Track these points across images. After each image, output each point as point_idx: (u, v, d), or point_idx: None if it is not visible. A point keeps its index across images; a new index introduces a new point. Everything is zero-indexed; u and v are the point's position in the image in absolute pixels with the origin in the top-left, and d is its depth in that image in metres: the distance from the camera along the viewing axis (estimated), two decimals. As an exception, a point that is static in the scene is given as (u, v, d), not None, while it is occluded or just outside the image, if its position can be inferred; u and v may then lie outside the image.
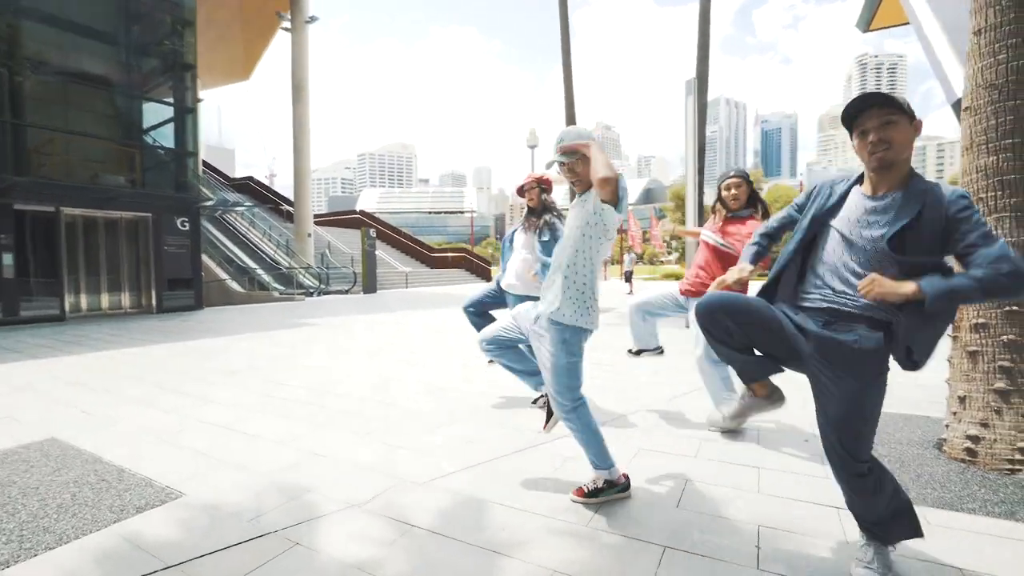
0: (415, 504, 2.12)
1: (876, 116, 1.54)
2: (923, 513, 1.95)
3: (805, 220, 1.72)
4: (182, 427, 3.14)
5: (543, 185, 3.57)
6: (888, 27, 23.04)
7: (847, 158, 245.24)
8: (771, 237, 1.93)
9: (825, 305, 1.60)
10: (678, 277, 39.74)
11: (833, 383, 1.53)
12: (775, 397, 1.81)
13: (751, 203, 3.03)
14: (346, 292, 18.47)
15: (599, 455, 2.13)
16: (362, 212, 30.82)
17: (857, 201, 1.63)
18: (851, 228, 1.60)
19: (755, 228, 2.75)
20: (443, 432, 3.05)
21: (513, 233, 3.74)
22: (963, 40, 11.41)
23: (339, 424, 3.22)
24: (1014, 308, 2.42)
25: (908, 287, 1.41)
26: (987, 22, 2.54)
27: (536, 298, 3.16)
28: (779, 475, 2.37)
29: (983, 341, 2.47)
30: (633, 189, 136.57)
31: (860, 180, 1.67)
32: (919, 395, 3.68)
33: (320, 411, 3.51)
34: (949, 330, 2.70)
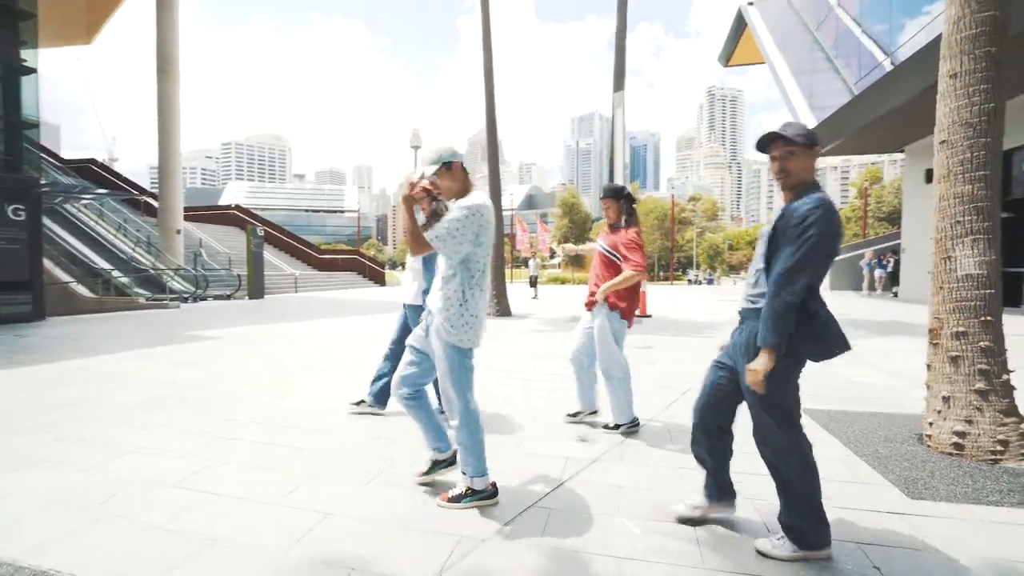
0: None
1: (779, 147, 1.80)
2: (941, 509, 2.13)
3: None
4: (113, 492, 2.36)
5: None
6: (745, 64, 26.25)
7: (700, 175, 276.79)
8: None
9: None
10: (563, 281, 41.52)
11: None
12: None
13: (630, 215, 3.22)
14: (228, 297, 16.42)
15: (477, 463, 2.18)
16: (238, 207, 27.71)
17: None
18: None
19: (630, 237, 3.07)
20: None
21: None
22: (806, 80, 13.39)
23: (352, 472, 2.72)
24: (988, 319, 2.79)
25: (763, 358, 1.68)
26: (961, 67, 2.90)
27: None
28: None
29: (963, 347, 2.81)
30: (516, 195, 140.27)
31: None
32: (863, 393, 4.14)
33: (318, 457, 2.95)
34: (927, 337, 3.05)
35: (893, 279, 17.76)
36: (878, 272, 18.38)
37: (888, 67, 15.18)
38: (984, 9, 2.84)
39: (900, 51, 14.86)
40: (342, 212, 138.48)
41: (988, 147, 2.82)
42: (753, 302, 1.84)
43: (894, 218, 42.55)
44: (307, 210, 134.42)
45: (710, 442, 2.01)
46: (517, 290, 20.24)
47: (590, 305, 3.23)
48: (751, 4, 25.52)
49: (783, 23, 23.83)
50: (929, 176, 14.10)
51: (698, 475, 2.12)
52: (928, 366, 3.01)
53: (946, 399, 2.85)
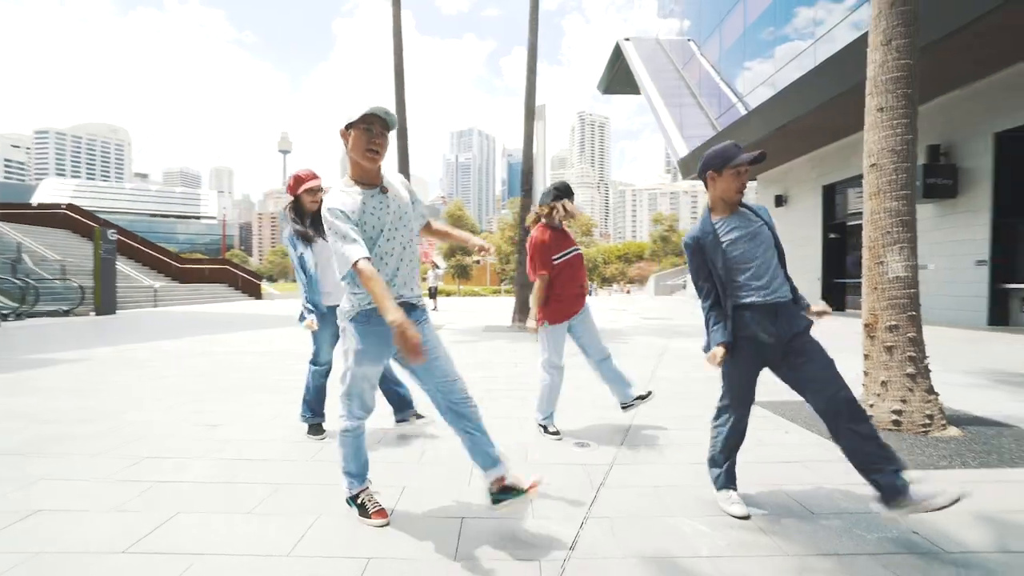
0: None
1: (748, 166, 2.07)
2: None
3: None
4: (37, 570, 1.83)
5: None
6: (622, 93, 28.62)
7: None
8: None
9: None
10: (449, 294, 41.35)
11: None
12: None
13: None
14: (66, 313, 13.67)
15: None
16: (72, 207, 23.33)
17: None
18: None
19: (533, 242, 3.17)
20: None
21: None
22: (676, 112, 15.27)
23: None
24: (913, 313, 3.31)
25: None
26: (887, 103, 3.43)
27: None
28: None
29: (896, 338, 3.30)
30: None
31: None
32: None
33: (307, 491, 2.51)
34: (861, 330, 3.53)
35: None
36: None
37: (742, 110, 17.70)
38: (903, 58, 3.41)
39: (749, 97, 17.38)
40: (198, 218, 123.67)
41: (908, 171, 3.37)
42: (784, 295, 2.09)
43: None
44: (153, 215, 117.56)
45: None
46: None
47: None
48: (627, 40, 28.04)
49: (655, 60, 26.51)
50: (778, 201, 16.57)
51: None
52: (866, 356, 3.47)
53: (884, 383, 3.31)
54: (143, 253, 22.73)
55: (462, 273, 52.94)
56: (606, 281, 69.12)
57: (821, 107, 11.50)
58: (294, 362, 6.09)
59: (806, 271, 15.04)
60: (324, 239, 3.02)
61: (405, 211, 1.98)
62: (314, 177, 3.11)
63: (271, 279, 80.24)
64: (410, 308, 1.96)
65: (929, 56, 8.20)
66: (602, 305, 20.34)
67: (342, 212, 1.81)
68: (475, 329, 10.26)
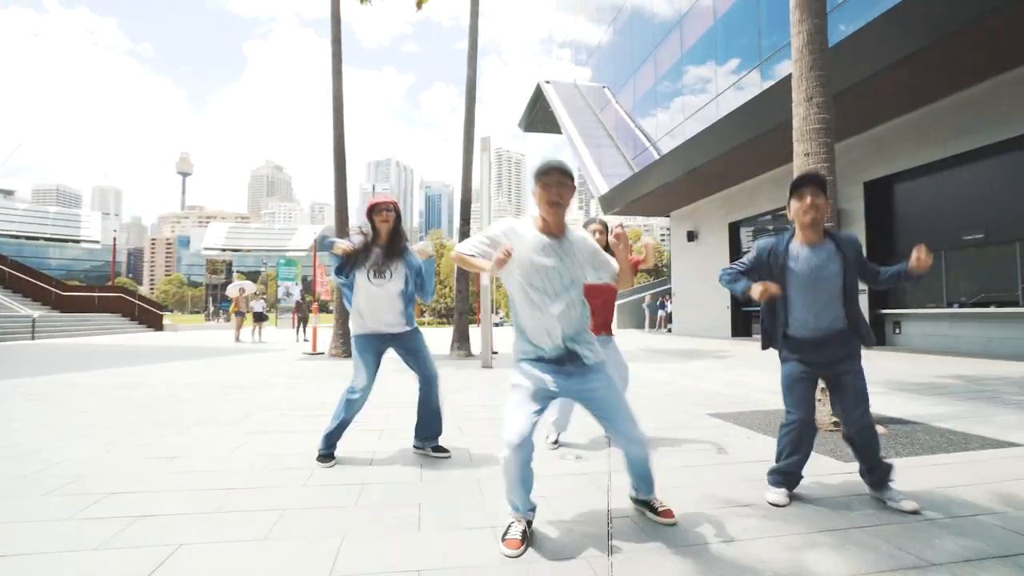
0: None
1: (815, 188, 2.29)
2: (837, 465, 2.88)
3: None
4: None
5: (399, 213, 3.18)
6: (542, 132, 30.12)
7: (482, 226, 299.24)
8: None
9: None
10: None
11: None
12: None
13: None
14: (-82, 348, 11.54)
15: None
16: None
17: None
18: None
19: None
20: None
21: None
22: (595, 152, 16.69)
23: (390, 520, 2.25)
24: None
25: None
26: (811, 149, 4.03)
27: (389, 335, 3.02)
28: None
29: (831, 350, 3.79)
30: (307, 236, 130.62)
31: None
32: (730, 398, 5.11)
33: (318, 514, 2.35)
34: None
35: (669, 318, 21.90)
36: (660, 312, 22.41)
37: (655, 154, 19.32)
38: (822, 112, 4.04)
39: (662, 141, 19.03)
40: (77, 242, 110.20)
41: (831, 207, 3.95)
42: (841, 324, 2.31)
43: (650, 271, 52.52)
44: (22, 236, 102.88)
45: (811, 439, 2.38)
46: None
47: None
48: (548, 83, 29.68)
49: (573, 102, 28.25)
50: (689, 236, 18.11)
51: (697, 465, 2.43)
52: (806, 367, 3.94)
53: (823, 389, 3.77)
54: (17, 279, 19.86)
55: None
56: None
57: (723, 155, 12.91)
58: (239, 393, 5.65)
59: (717, 302, 16.43)
60: (384, 270, 3.00)
61: (573, 264, 2.02)
62: (384, 198, 3.11)
63: (168, 310, 72.80)
64: (573, 357, 2.00)
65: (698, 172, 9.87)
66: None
67: (495, 231, 2.03)
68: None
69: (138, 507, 2.34)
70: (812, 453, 2.99)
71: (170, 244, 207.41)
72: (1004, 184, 9.14)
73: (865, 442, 2.30)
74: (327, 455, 3.01)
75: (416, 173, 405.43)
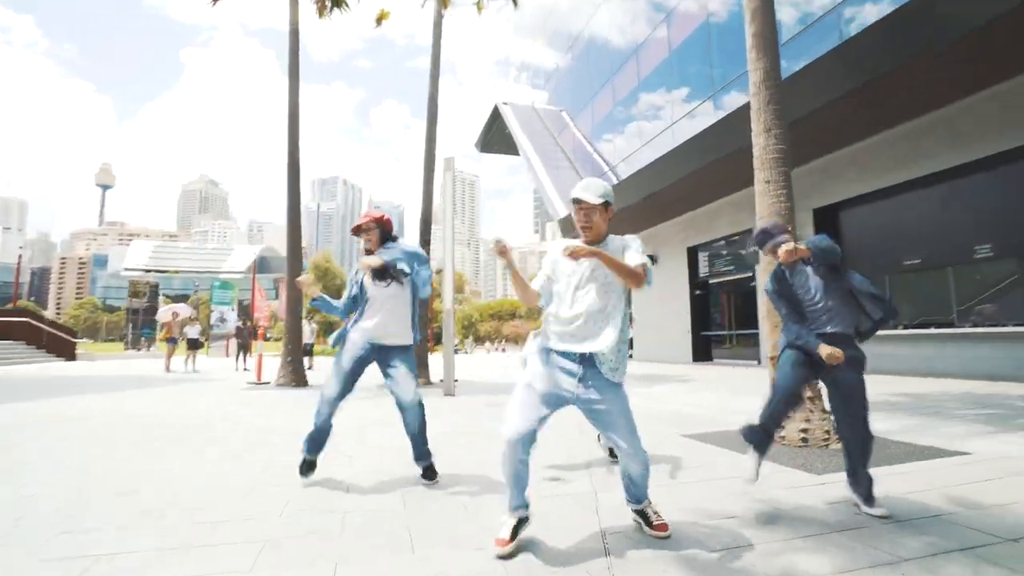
0: None
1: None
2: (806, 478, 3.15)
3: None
4: None
5: (384, 226, 3.28)
6: (499, 153, 30.77)
7: (445, 249, 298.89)
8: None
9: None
10: (313, 353, 38.29)
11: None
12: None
13: None
14: None
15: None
16: None
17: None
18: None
19: None
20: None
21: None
22: (554, 174, 17.31)
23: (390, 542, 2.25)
24: (806, 347, 4.15)
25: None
26: (772, 177, 4.43)
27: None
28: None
29: (795, 368, 4.10)
30: (245, 257, 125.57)
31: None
32: (699, 419, 5.37)
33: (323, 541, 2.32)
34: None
35: (630, 344, 22.47)
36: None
37: (613, 178, 20.13)
38: (779, 143, 4.46)
39: (619, 167, 19.88)
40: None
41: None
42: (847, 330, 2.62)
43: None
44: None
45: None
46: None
47: None
48: (505, 104, 30.48)
49: (531, 124, 29.11)
50: (653, 259, 18.84)
51: (679, 482, 2.61)
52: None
53: (811, 398, 4.07)
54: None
55: (329, 330, 50.14)
56: (479, 340, 70.17)
57: (681, 180, 13.66)
58: (189, 424, 5.41)
59: (677, 326, 17.06)
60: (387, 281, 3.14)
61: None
62: (365, 217, 3.26)
63: (79, 337, 67.58)
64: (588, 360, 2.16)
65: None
66: (491, 361, 20.72)
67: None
68: (368, 386, 9.90)
69: (108, 545, 2.25)
70: (785, 467, 3.26)
71: (83, 263, 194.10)
72: (937, 212, 10.17)
73: (862, 445, 2.55)
74: (310, 464, 3.19)
75: (365, 192, 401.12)
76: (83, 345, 38.13)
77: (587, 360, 2.15)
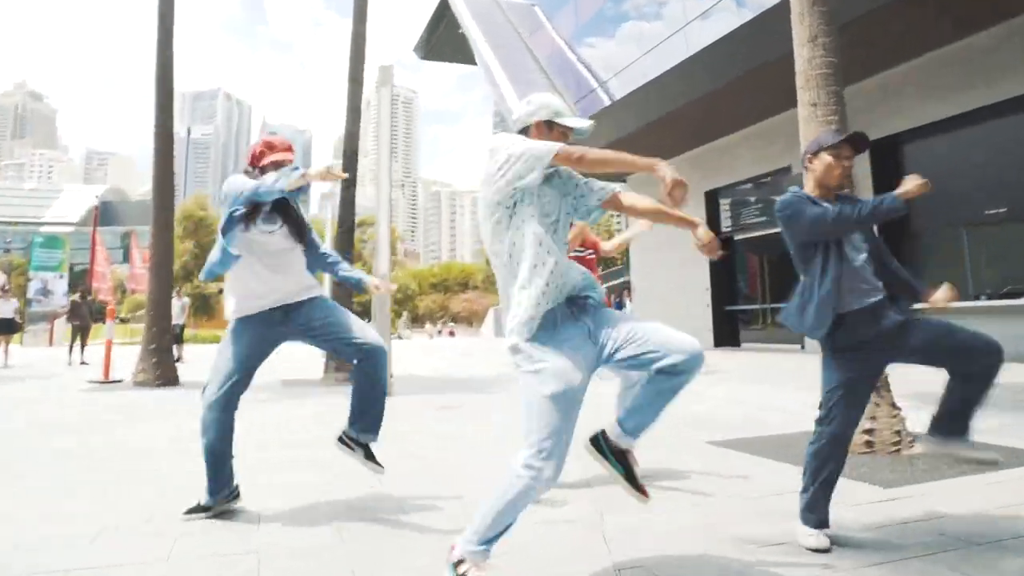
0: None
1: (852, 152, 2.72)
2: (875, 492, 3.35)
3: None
4: None
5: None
6: (448, 61, 30.32)
7: (366, 192, 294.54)
8: None
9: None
10: (184, 340, 37.37)
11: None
12: None
13: None
14: None
15: None
16: None
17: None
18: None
19: None
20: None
21: None
22: (528, 91, 17.40)
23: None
24: (868, 323, 4.31)
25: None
26: (819, 99, 4.53)
27: None
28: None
29: (855, 351, 4.26)
30: (80, 202, 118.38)
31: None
32: (741, 420, 5.56)
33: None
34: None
35: (628, 316, 22.93)
36: (627, 310, 23.38)
37: (606, 99, 20.04)
38: (829, 55, 4.54)
39: (611, 83, 19.80)
40: None
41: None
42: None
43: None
44: None
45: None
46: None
47: None
48: (455, -9, 29.75)
49: (492, 22, 28.57)
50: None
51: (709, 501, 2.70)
52: (827, 374, 4.40)
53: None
54: None
55: (204, 308, 48.76)
56: (418, 320, 68.99)
57: (699, 100, 13.77)
58: (19, 442, 5.23)
59: (693, 299, 17.37)
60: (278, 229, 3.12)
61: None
62: (289, 150, 3.18)
63: None
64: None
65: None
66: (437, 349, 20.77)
67: None
68: (271, 384, 9.79)
69: None
70: (845, 479, 3.41)
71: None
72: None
73: (989, 365, 2.54)
74: (226, 498, 3.12)
75: (256, 111, 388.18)
76: None
77: (585, 306, 2.22)
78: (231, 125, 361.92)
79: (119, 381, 10.21)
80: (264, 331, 3.10)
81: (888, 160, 12.64)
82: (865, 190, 12.60)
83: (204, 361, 15.39)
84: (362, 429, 3.17)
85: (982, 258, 11.48)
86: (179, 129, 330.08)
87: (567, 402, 1.98)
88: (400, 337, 46.58)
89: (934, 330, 2.57)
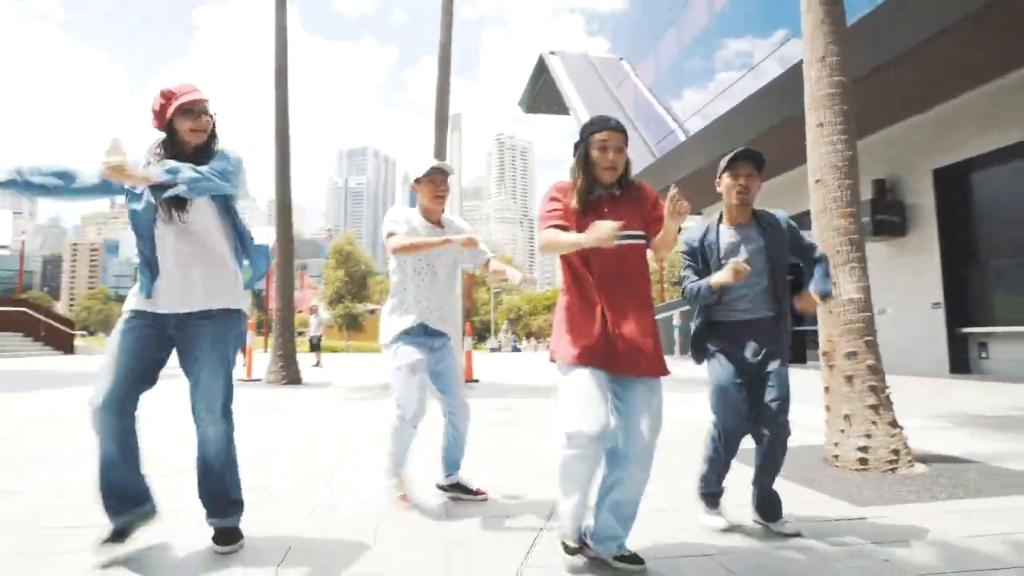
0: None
1: (750, 167, 2.54)
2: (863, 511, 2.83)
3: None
4: None
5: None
6: (546, 113, 30.37)
7: (491, 230, 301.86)
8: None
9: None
10: (335, 350, 39.39)
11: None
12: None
13: None
14: None
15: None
16: None
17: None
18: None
19: None
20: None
21: None
22: None
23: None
24: (870, 338, 3.76)
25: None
26: (825, 118, 4.01)
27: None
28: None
29: (855, 367, 3.72)
30: (267, 240, 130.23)
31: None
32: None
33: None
34: (821, 360, 3.95)
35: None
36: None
37: (682, 136, 19.38)
38: (836, 74, 4.02)
39: (689, 123, 19.10)
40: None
41: (852, 188, 3.91)
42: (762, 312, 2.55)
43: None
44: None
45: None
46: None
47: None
48: (553, 54, 30.01)
49: (584, 77, 28.54)
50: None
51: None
52: (826, 388, 3.87)
53: (847, 417, 3.69)
54: None
55: (352, 324, 51.30)
56: (532, 335, 70.20)
57: (760, 138, 12.92)
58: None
59: (918, 314, 16.04)
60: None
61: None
62: (193, 90, 2.24)
63: (90, 332, 72.75)
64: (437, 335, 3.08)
65: (862, 90, 9.84)
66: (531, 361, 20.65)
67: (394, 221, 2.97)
68: (370, 387, 10.02)
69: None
70: (829, 497, 2.97)
71: (95, 250, 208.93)
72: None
73: (775, 455, 2.50)
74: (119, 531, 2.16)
75: (399, 165, 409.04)
76: (87, 339, 41.04)
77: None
78: (380, 176, 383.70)
79: (257, 380, 10.90)
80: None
81: (954, 187, 11.26)
82: (929, 223, 11.28)
83: (342, 368, 16.13)
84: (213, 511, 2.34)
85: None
86: (337, 180, 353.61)
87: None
88: (491, 350, 47.88)
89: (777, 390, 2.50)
